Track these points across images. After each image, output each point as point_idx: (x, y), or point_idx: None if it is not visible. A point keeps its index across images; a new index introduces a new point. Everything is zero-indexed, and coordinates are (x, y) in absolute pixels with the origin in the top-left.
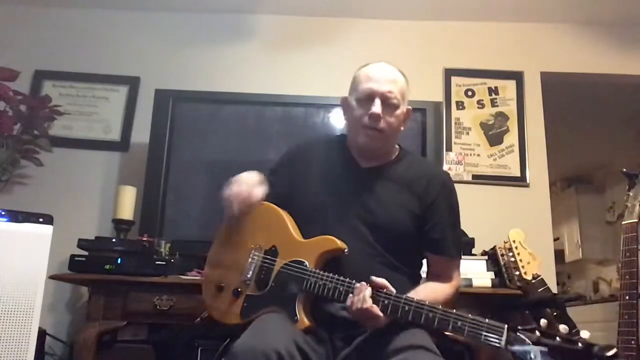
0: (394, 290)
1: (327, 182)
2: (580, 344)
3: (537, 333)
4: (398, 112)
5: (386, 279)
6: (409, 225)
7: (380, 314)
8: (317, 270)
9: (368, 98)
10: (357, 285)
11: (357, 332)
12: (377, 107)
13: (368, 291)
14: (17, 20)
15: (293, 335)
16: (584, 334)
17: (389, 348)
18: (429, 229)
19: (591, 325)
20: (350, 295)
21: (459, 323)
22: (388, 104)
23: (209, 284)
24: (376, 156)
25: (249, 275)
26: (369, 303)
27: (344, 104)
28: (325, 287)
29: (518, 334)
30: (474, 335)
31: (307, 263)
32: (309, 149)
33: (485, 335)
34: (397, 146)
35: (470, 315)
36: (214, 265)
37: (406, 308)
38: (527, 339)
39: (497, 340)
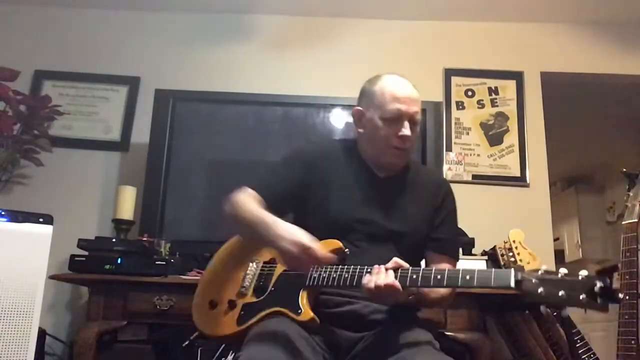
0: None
1: (349, 191)
2: (580, 276)
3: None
4: (418, 127)
5: None
6: (425, 230)
7: (400, 286)
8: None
9: (397, 119)
10: (376, 266)
11: (363, 330)
12: (407, 130)
13: (389, 268)
14: (17, 20)
15: (296, 345)
16: (583, 273)
17: (395, 345)
18: (436, 229)
19: (591, 325)
20: (368, 275)
21: (467, 277)
22: (413, 122)
23: (201, 302)
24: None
25: (246, 284)
26: (391, 278)
27: (359, 115)
28: (329, 277)
29: (524, 273)
30: (484, 281)
31: None
32: (325, 154)
33: (494, 280)
34: None
35: (476, 269)
36: (207, 284)
37: (414, 276)
38: (532, 277)
39: (506, 283)
